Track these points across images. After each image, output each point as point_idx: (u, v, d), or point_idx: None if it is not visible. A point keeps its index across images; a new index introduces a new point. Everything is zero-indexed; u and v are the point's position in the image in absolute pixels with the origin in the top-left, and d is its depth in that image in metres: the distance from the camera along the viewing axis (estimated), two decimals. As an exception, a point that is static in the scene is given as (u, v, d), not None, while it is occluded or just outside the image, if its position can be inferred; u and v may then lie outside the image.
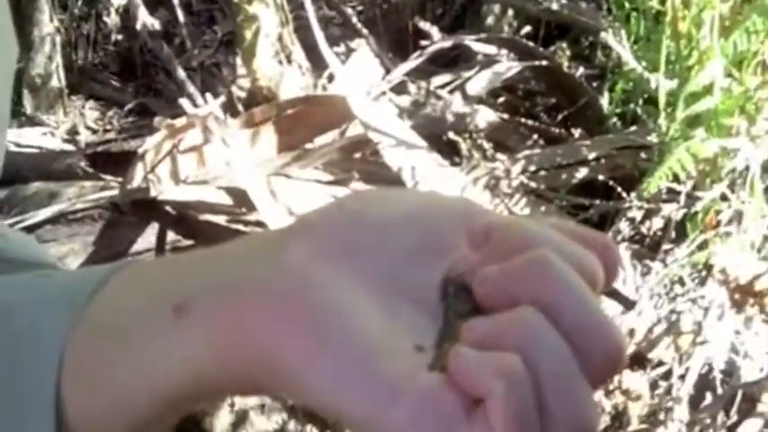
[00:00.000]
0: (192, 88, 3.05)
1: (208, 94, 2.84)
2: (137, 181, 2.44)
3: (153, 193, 2.40)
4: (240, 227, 2.45)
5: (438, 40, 2.93)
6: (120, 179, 2.63)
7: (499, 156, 2.51)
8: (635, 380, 1.65)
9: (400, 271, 0.51)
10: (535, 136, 2.70)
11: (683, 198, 2.03)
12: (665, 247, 1.99)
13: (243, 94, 2.99)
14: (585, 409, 0.47)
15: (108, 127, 3.60)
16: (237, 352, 0.50)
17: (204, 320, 0.50)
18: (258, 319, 0.49)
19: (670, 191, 2.12)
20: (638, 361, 1.88)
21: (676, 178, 1.93)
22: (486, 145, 2.55)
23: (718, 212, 1.97)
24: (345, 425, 0.48)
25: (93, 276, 0.55)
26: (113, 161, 3.05)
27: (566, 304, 0.48)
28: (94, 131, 3.59)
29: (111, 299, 0.54)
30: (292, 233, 0.52)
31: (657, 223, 2.22)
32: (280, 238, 0.52)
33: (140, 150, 2.51)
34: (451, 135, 2.60)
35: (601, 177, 2.34)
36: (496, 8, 3.33)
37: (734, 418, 1.82)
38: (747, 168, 1.88)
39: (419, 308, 0.50)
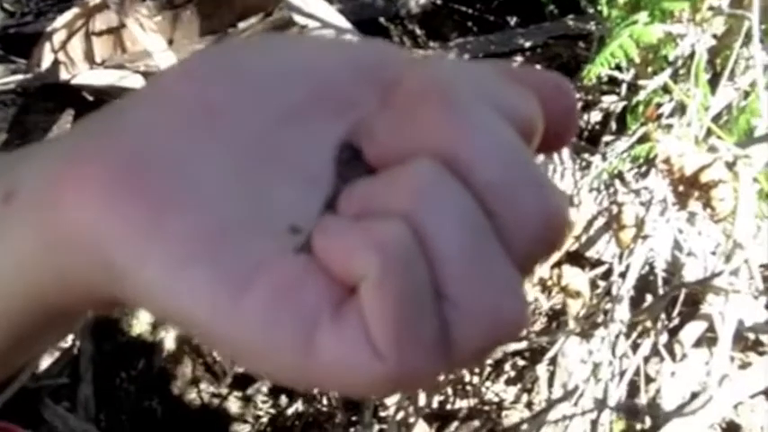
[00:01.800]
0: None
1: (126, -26, 2.68)
2: (46, 63, 2.32)
3: (64, 75, 2.30)
4: None
5: None
6: (32, 62, 2.51)
7: (432, 43, 2.41)
8: (574, 276, 1.56)
9: (281, 135, 0.40)
10: (469, 23, 2.60)
11: (623, 88, 1.96)
12: (606, 139, 1.92)
13: (163, -25, 2.85)
14: (506, 300, 0.36)
15: (26, 10, 3.44)
16: (59, 241, 0.40)
17: (27, 206, 0.41)
18: (77, 195, 0.39)
19: (610, 82, 2.04)
20: (576, 259, 1.82)
21: (617, 67, 1.85)
22: (419, 31, 2.45)
23: (659, 105, 1.90)
24: (188, 330, 0.38)
25: None
26: (28, 44, 2.93)
27: (478, 155, 0.37)
28: (11, 14, 3.43)
29: None
30: (140, 96, 0.42)
31: (596, 116, 2.15)
32: (129, 100, 0.42)
33: (48, 29, 2.38)
34: (382, 20, 2.50)
35: (537, 67, 2.24)
36: None
37: (675, 320, 1.77)
38: (692, 57, 1.80)
39: (306, 181, 0.40)
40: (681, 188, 1.48)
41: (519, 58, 2.31)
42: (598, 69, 1.65)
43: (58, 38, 2.35)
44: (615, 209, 1.59)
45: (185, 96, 0.40)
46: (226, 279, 0.36)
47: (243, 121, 0.40)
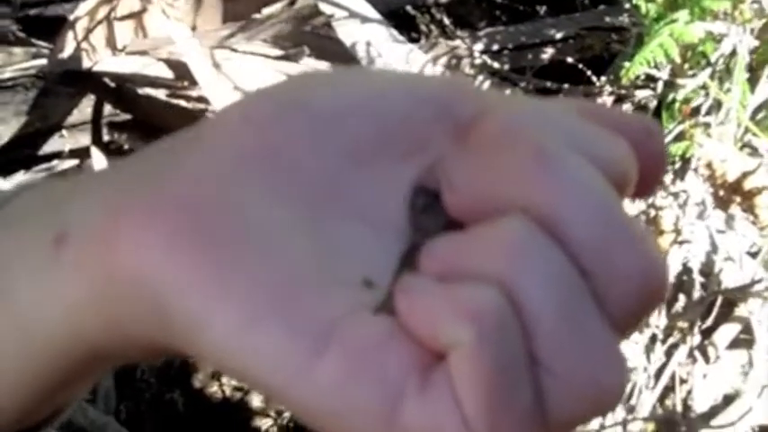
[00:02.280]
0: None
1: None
2: (68, 49, 2.30)
3: (86, 62, 2.26)
4: (181, 102, 2.33)
5: None
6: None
7: (460, 33, 2.37)
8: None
9: (349, 178, 0.38)
10: (497, 12, 2.57)
11: (660, 85, 1.92)
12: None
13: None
14: (605, 370, 0.34)
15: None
16: (114, 290, 0.37)
17: (79, 250, 0.38)
18: (136, 242, 0.36)
19: (645, 77, 2.00)
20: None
21: (654, 65, 1.81)
22: (446, 20, 2.42)
23: (694, 108, 1.86)
24: (257, 389, 0.36)
25: None
26: (48, 27, 2.90)
27: (574, 212, 0.34)
28: (31, -4, 3.41)
29: None
30: (201, 134, 0.39)
31: (628, 110, 2.10)
32: (184, 142, 0.39)
33: (71, 17, 2.35)
34: (409, 9, 2.46)
35: (569, 59, 2.21)
36: None
37: (709, 322, 1.73)
38: (732, 55, 1.76)
39: (376, 229, 0.37)
40: (722, 193, 1.44)
41: (550, 50, 2.27)
42: (637, 68, 1.62)
43: (81, 25, 2.32)
44: (653, 212, 1.55)
45: (244, 140, 0.38)
46: (299, 339, 0.34)
47: (307, 164, 0.37)
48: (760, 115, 1.83)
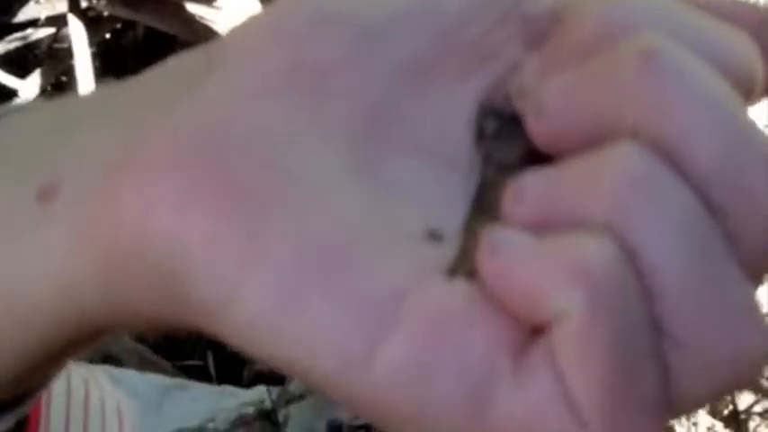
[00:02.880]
0: None
1: None
2: None
3: None
4: None
5: None
6: None
7: None
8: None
9: (403, 102, 0.32)
10: None
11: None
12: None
13: None
14: (748, 333, 0.28)
15: None
16: (113, 257, 0.31)
17: (72, 206, 0.32)
18: (145, 195, 0.30)
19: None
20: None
21: None
22: None
23: None
24: (300, 378, 0.30)
25: None
26: None
27: (701, 135, 0.28)
28: None
29: None
30: (222, 54, 0.32)
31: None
32: (200, 64, 0.32)
33: None
34: None
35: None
36: None
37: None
38: None
39: (437, 162, 0.32)
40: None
41: None
42: None
43: None
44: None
45: (277, 62, 0.32)
46: (357, 318, 0.28)
47: (352, 87, 0.32)
48: None
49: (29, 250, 0.34)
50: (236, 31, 0.34)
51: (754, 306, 0.29)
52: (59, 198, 0.33)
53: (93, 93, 0.43)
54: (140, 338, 1.68)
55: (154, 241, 0.30)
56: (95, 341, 0.37)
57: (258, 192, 0.30)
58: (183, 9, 2.23)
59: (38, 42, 2.46)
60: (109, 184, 0.31)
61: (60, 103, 0.38)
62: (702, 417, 1.72)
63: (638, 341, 0.28)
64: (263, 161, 0.30)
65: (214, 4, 2.10)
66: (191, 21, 2.21)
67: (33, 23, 2.49)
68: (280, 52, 0.32)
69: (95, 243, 0.32)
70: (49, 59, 2.45)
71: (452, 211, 0.31)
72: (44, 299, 0.34)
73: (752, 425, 1.74)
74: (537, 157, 0.31)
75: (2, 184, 0.35)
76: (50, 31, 2.45)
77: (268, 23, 0.34)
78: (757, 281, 0.30)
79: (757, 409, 1.76)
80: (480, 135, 0.32)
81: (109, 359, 1.53)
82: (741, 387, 0.30)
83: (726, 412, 1.75)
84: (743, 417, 1.76)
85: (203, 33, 2.18)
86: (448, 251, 0.30)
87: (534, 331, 0.28)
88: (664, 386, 0.28)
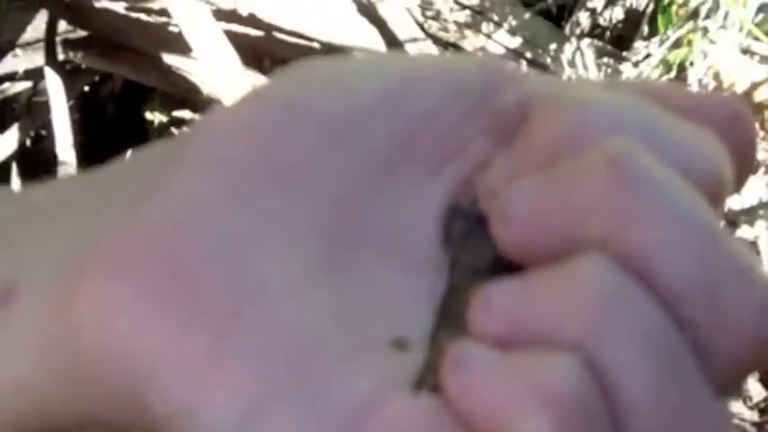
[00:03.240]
0: None
1: None
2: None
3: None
4: (142, 16, 2.21)
5: None
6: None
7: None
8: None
9: (370, 202, 0.32)
10: None
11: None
12: (636, 44, 1.80)
13: None
14: None
15: None
16: (76, 365, 0.30)
17: (32, 308, 0.31)
18: (105, 304, 0.29)
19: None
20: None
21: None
22: None
23: (687, 4, 1.78)
24: None
25: None
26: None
27: (669, 248, 0.28)
28: None
29: None
30: (185, 150, 0.32)
31: (619, 14, 2.03)
32: (162, 160, 0.32)
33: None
34: None
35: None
36: None
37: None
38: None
39: (404, 265, 0.31)
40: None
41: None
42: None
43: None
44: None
45: (242, 159, 0.31)
46: (327, 428, 0.28)
47: (318, 187, 0.31)
48: (759, 17, 1.76)
49: None
50: (203, 125, 0.34)
51: (725, 422, 0.29)
52: (17, 302, 0.32)
53: (56, 184, 0.43)
54: None
55: (113, 352, 0.29)
56: None
57: (222, 305, 0.29)
58: (160, 61, 2.23)
59: (16, 96, 2.48)
60: (67, 290, 0.31)
61: (15, 195, 0.38)
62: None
63: None
64: (229, 271, 0.30)
65: (190, 54, 2.10)
66: (168, 72, 2.22)
67: (11, 77, 2.50)
68: (248, 150, 0.32)
69: (55, 349, 0.31)
70: (28, 113, 2.47)
71: (419, 317, 0.30)
72: (6, 401, 0.33)
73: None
74: (505, 262, 0.30)
75: None
76: (28, 84, 2.47)
77: (235, 116, 0.33)
78: (731, 390, 0.30)
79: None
80: (448, 238, 0.31)
81: None
82: None
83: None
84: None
85: (180, 84, 2.21)
86: (414, 361, 0.29)
87: None
88: None
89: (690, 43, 1.73)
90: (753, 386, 1.78)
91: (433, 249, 0.31)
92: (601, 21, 2.07)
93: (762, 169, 1.69)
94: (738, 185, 0.32)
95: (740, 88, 1.34)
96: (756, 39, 1.64)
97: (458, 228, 0.31)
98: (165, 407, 0.29)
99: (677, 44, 1.77)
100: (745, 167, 0.32)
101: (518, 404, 0.27)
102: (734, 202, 1.69)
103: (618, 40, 1.99)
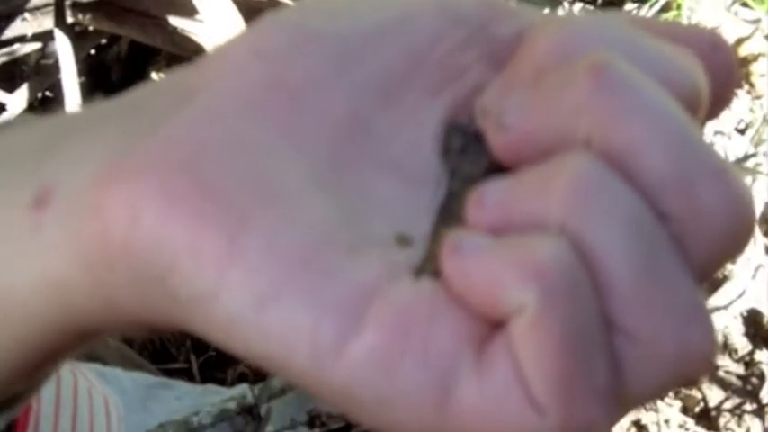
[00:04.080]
0: None
1: None
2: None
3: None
4: None
5: None
6: None
7: None
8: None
9: (376, 118, 0.34)
10: None
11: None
12: (627, 7, 1.81)
13: None
14: (693, 328, 0.30)
15: None
16: (105, 259, 0.33)
17: (65, 215, 0.34)
18: (130, 200, 0.32)
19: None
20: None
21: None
22: None
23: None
24: (276, 372, 0.32)
25: None
26: None
27: (647, 145, 0.30)
28: None
29: None
30: (204, 72, 0.35)
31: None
32: (184, 82, 0.35)
33: None
34: None
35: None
36: None
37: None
38: None
39: (406, 175, 0.34)
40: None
41: None
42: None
43: None
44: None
45: (255, 78, 0.34)
46: (330, 312, 0.30)
47: (327, 103, 0.33)
48: None
49: (22, 254, 0.35)
50: (218, 51, 0.36)
51: (699, 305, 0.31)
52: (52, 205, 0.34)
53: (82, 108, 0.45)
54: (126, 341, 1.70)
55: (141, 245, 0.32)
56: (82, 346, 0.39)
57: (236, 200, 0.31)
58: (166, 23, 2.23)
59: (25, 57, 2.47)
60: (99, 193, 0.33)
61: (51, 118, 0.40)
62: (674, 414, 1.75)
63: (589, 334, 0.29)
64: (242, 173, 0.32)
65: (196, 17, 2.11)
66: (173, 34, 2.22)
67: (20, 39, 2.50)
68: (259, 71, 0.34)
69: (86, 247, 0.33)
70: (36, 74, 2.46)
71: (421, 219, 0.33)
72: (35, 301, 0.35)
73: (722, 421, 1.77)
74: (500, 171, 0.33)
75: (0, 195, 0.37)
76: (37, 46, 2.46)
77: (249, 41, 0.35)
78: (705, 279, 0.32)
79: (728, 405, 1.79)
80: (446, 150, 0.34)
81: (94, 360, 1.55)
82: (688, 383, 0.32)
83: (697, 409, 1.78)
84: (714, 413, 1.79)
85: (186, 46, 2.20)
86: (416, 254, 0.32)
87: (494, 326, 0.30)
88: (615, 377, 0.30)
89: (679, 7, 1.75)
90: (738, 339, 1.79)
91: (433, 162, 0.34)
92: None
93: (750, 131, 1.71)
94: (716, 112, 0.35)
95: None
96: (744, 5, 1.66)
97: (456, 142, 0.34)
98: (188, 291, 0.31)
99: (666, 8, 1.78)
100: (723, 94, 0.34)
101: (508, 279, 0.29)
102: None
103: (609, 5, 2.01)
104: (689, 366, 0.30)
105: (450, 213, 0.33)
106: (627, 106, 0.31)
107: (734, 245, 0.31)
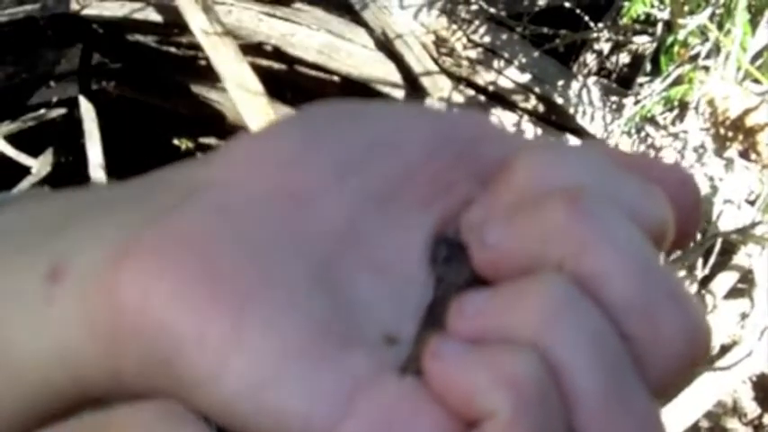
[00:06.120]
0: None
1: None
2: (56, -7, 2.27)
3: (75, 7, 2.21)
4: (172, 49, 2.29)
5: None
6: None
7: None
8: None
9: (370, 224, 0.35)
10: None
11: (659, 28, 1.89)
12: (639, 81, 1.85)
13: None
14: None
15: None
16: (114, 335, 0.34)
17: (79, 287, 0.35)
18: (143, 287, 0.33)
19: (643, 21, 1.98)
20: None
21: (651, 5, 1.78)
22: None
23: (691, 47, 1.83)
24: None
25: None
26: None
27: (614, 272, 0.32)
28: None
29: None
30: (214, 171, 0.36)
31: (625, 58, 2.10)
32: (199, 174, 0.36)
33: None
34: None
35: (566, 4, 2.18)
36: None
37: (707, 271, 1.71)
38: (732, -5, 1.73)
39: (396, 279, 0.35)
40: (723, 132, 1.41)
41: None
42: (638, 8, 1.58)
43: (69, -34, 2.28)
44: (652, 153, 1.52)
45: (264, 182, 0.35)
46: (322, 399, 0.32)
47: (328, 207, 0.35)
48: (759, 61, 1.81)
49: (34, 322, 0.36)
50: (230, 148, 0.38)
51: (654, 420, 0.32)
52: (66, 280, 0.35)
53: (96, 188, 0.44)
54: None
55: (151, 329, 0.33)
56: (83, 412, 0.39)
57: (241, 289, 0.33)
58: (188, 90, 2.29)
59: (50, 123, 2.52)
60: (112, 271, 0.34)
61: (65, 193, 0.41)
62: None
63: None
64: (246, 262, 0.33)
65: (218, 84, 2.15)
66: (195, 101, 2.28)
67: (46, 105, 2.55)
68: (265, 174, 0.35)
69: (97, 323, 0.34)
70: (61, 139, 2.51)
71: (407, 321, 0.34)
72: (45, 366, 0.36)
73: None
74: (481, 280, 0.35)
75: (14, 263, 0.37)
76: (62, 111, 2.51)
77: (259, 145, 0.37)
78: (664, 394, 0.33)
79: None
80: (434, 259, 0.35)
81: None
82: None
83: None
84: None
85: (208, 113, 2.26)
86: (401, 353, 0.33)
87: (469, 425, 0.31)
88: None
89: (690, 81, 1.79)
90: (747, 403, 1.81)
91: (421, 268, 0.35)
92: (608, 64, 2.13)
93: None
94: (681, 245, 0.37)
95: (733, 114, 1.40)
96: (756, 81, 1.69)
97: (442, 252, 0.36)
98: (193, 373, 0.32)
99: (678, 81, 1.82)
100: (688, 227, 0.36)
101: (484, 385, 0.31)
102: (730, 226, 1.72)
103: (623, 82, 2.04)
104: None
105: (433, 317, 0.35)
106: (597, 235, 0.33)
107: (686, 369, 0.33)
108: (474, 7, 2.17)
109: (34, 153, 2.46)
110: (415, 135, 0.37)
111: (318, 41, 2.17)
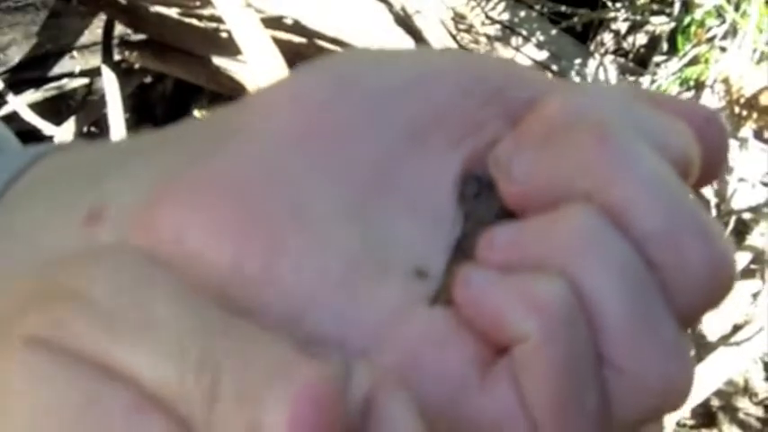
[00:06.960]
0: None
1: None
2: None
3: (98, -22, 2.23)
4: (194, 21, 2.29)
5: None
6: (63, -37, 2.47)
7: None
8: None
9: (402, 162, 0.36)
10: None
11: (676, 9, 1.90)
12: (656, 60, 1.86)
13: None
14: (675, 366, 0.33)
15: None
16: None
17: (117, 227, 0.35)
18: (177, 221, 0.34)
19: (658, 1, 1.99)
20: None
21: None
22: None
23: (708, 28, 1.84)
24: None
25: (14, 162, 0.41)
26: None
27: (641, 201, 0.33)
28: None
29: (19, 200, 0.40)
30: (247, 115, 0.37)
31: (642, 38, 2.08)
32: (233, 117, 0.37)
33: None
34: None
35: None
36: None
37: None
38: (750, -24, 1.74)
39: (426, 215, 0.36)
40: (738, 110, 1.42)
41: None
42: (655, -14, 1.59)
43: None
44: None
45: (295, 122, 0.36)
46: (355, 331, 0.33)
47: (359, 147, 0.36)
48: None
49: None
50: (259, 94, 0.39)
51: (681, 344, 0.33)
52: (104, 221, 0.36)
53: (132, 138, 0.45)
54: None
55: (186, 258, 0.33)
56: None
57: (277, 229, 0.34)
58: (209, 62, 2.30)
59: (72, 93, 2.54)
60: (148, 211, 0.34)
61: (104, 144, 0.42)
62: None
63: (583, 364, 0.32)
64: (279, 205, 0.34)
65: (239, 57, 2.16)
66: (216, 72, 2.29)
67: (68, 75, 2.57)
68: (299, 114, 0.36)
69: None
70: (83, 109, 2.54)
71: (436, 256, 0.35)
72: None
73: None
74: (509, 216, 0.35)
75: (53, 208, 0.38)
76: (84, 81, 2.53)
77: (290, 88, 0.37)
78: (688, 326, 0.34)
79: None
80: (462, 196, 0.36)
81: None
82: (667, 413, 0.34)
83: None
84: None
85: (228, 85, 2.27)
86: (431, 285, 0.34)
87: (499, 351, 0.32)
88: (603, 405, 0.32)
89: (707, 61, 1.80)
90: (758, 383, 1.82)
91: (450, 205, 0.36)
92: (624, 44, 2.12)
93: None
94: (706, 182, 0.38)
95: (748, 92, 1.41)
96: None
97: (471, 188, 0.36)
98: (227, 304, 0.32)
99: (694, 61, 1.83)
100: (713, 165, 0.36)
101: (513, 310, 0.32)
102: (743, 205, 1.73)
103: (640, 62, 2.03)
104: (669, 398, 0.33)
105: (462, 252, 0.35)
106: (624, 167, 0.33)
107: (712, 298, 0.34)
108: (493, -16, 2.18)
109: (57, 122, 2.48)
110: (445, 77, 0.37)
111: (338, 16, 2.18)
